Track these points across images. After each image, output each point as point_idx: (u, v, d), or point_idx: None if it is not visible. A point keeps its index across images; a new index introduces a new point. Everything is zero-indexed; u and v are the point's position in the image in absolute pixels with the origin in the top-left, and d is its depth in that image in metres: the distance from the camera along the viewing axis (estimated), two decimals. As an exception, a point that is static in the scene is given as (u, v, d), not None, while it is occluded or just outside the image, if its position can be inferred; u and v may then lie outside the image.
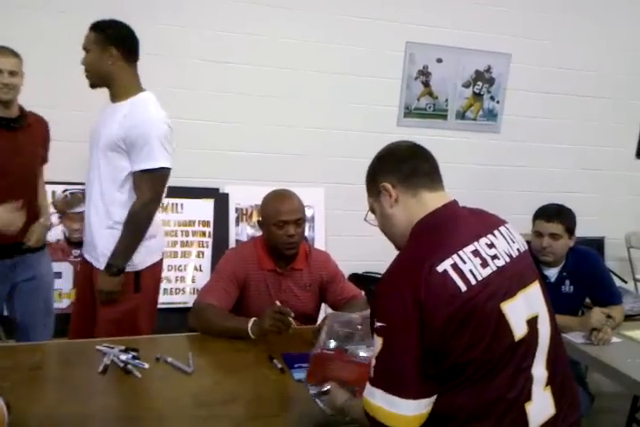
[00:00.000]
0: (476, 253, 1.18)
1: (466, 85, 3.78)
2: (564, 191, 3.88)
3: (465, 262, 1.15)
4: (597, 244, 3.97)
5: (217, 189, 3.45)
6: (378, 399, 1.14)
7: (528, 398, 1.17)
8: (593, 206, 3.97)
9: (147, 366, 1.72)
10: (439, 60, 3.69)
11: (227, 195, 3.45)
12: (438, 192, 1.29)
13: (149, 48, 3.12)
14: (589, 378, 2.77)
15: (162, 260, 2.33)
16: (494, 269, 1.18)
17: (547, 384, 1.21)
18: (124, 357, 1.74)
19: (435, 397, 1.14)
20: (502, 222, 1.32)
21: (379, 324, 1.14)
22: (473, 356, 1.12)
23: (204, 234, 3.38)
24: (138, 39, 2.19)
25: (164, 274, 3.21)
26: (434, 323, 1.10)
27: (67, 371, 1.76)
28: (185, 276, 3.31)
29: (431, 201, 1.27)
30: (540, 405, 1.19)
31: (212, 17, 3.30)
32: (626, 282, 3.68)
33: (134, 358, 1.75)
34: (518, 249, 1.28)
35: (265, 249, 2.20)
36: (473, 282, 1.14)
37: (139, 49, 2.21)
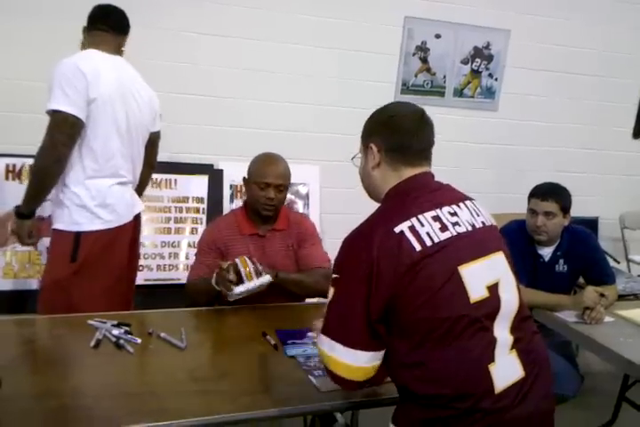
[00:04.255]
0: (436, 218, 1.25)
1: (464, 62, 3.73)
2: (561, 170, 3.88)
3: (423, 225, 1.22)
4: (591, 224, 3.97)
5: (211, 166, 3.42)
6: (325, 346, 1.26)
7: (491, 359, 1.21)
8: (588, 186, 3.98)
9: (139, 341, 1.72)
10: (437, 36, 3.63)
11: (221, 171, 3.42)
12: (420, 168, 1.35)
13: (146, 21, 3.10)
14: (579, 358, 2.79)
15: (116, 235, 2.19)
16: (454, 233, 1.25)
17: (512, 348, 1.24)
18: (116, 331, 1.74)
19: (380, 354, 1.24)
20: (469, 198, 1.38)
21: (334, 275, 1.26)
22: (427, 313, 1.18)
23: (197, 210, 3.36)
24: (99, 7, 2.19)
25: (158, 250, 3.24)
26: (385, 279, 1.17)
27: (58, 345, 1.76)
28: (178, 252, 3.29)
29: (407, 174, 1.33)
30: (505, 367, 1.22)
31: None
32: (619, 262, 3.70)
33: (126, 332, 1.75)
34: (483, 222, 1.33)
35: (245, 214, 2.24)
36: (428, 243, 1.20)
37: (101, 16, 2.17)
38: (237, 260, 1.97)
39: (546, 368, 1.31)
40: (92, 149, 2.08)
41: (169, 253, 3.27)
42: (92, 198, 2.11)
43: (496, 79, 3.82)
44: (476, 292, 1.21)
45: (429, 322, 1.18)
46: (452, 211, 1.29)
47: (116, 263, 2.23)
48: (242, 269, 1.95)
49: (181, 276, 3.20)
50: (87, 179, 2.10)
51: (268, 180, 2.14)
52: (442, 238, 1.22)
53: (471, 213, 1.32)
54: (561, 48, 3.87)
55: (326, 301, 1.31)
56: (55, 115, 1.96)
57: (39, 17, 2.94)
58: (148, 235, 3.14)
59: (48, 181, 2.02)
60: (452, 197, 1.34)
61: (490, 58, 3.77)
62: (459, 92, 3.76)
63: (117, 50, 2.20)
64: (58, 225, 2.12)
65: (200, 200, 3.36)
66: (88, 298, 2.09)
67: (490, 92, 3.83)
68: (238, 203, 3.40)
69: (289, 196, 3.49)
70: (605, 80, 4.02)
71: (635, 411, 2.68)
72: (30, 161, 2.78)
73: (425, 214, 1.24)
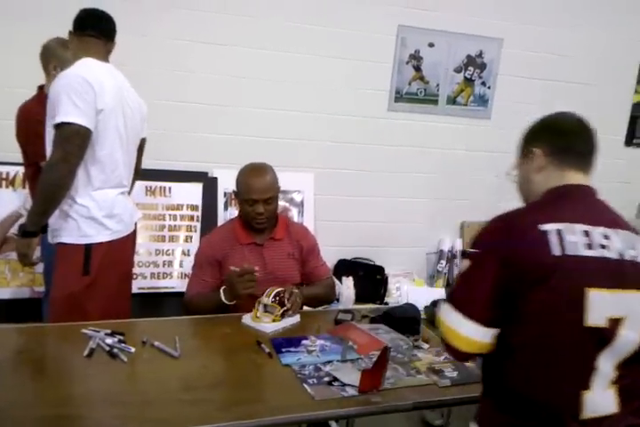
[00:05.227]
0: (587, 233, 1.21)
1: (457, 70, 3.75)
2: (554, 178, 3.89)
3: (572, 234, 1.20)
4: (585, 231, 3.98)
5: (206, 173, 3.42)
6: (443, 313, 1.28)
7: (586, 387, 1.18)
8: (581, 194, 3.99)
9: (133, 349, 1.71)
10: (431, 45, 3.66)
11: (215, 179, 3.42)
12: (583, 175, 1.34)
13: (141, 29, 3.11)
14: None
15: (123, 245, 2.19)
16: (597, 255, 1.20)
17: (613, 383, 1.21)
18: (109, 340, 1.73)
19: (490, 333, 1.23)
20: (631, 229, 1.30)
21: (470, 250, 1.28)
22: (538, 320, 1.18)
23: (192, 218, 3.35)
24: (87, 11, 2.12)
25: (152, 258, 3.23)
26: (517, 267, 1.18)
27: (52, 354, 1.75)
28: (173, 260, 3.28)
29: (571, 179, 1.33)
30: (600, 398, 1.19)
31: (202, -3, 3.24)
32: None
33: (120, 341, 1.74)
34: (633, 258, 1.24)
35: (242, 223, 2.24)
36: (569, 253, 1.17)
37: (91, 21, 2.11)
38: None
39: None
40: (100, 160, 2.05)
41: (163, 262, 3.26)
42: (99, 209, 2.07)
43: (489, 87, 3.85)
44: (595, 318, 1.17)
45: (536, 329, 1.19)
46: (607, 234, 1.23)
47: (125, 273, 2.24)
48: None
49: (175, 284, 3.20)
50: (94, 190, 2.07)
51: (254, 196, 2.13)
52: (583, 254, 1.18)
53: (625, 244, 1.24)
54: (553, 56, 3.90)
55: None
56: (65, 127, 1.92)
57: (36, 24, 2.94)
58: (142, 243, 3.13)
59: (60, 194, 1.97)
60: (612, 220, 1.29)
61: (483, 66, 3.80)
62: (452, 101, 3.77)
63: (107, 57, 2.17)
64: (65, 239, 2.06)
65: (194, 208, 3.36)
66: (101, 310, 2.06)
67: (483, 101, 3.85)
68: (232, 210, 3.40)
69: (283, 203, 3.50)
70: (596, 88, 4.04)
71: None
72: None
73: (577, 225, 1.21)
